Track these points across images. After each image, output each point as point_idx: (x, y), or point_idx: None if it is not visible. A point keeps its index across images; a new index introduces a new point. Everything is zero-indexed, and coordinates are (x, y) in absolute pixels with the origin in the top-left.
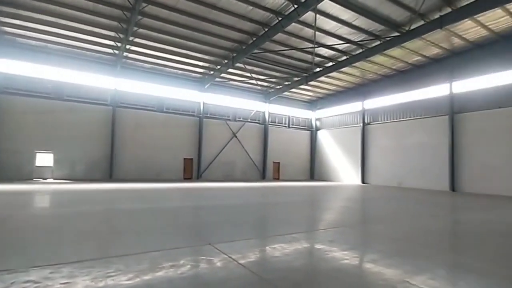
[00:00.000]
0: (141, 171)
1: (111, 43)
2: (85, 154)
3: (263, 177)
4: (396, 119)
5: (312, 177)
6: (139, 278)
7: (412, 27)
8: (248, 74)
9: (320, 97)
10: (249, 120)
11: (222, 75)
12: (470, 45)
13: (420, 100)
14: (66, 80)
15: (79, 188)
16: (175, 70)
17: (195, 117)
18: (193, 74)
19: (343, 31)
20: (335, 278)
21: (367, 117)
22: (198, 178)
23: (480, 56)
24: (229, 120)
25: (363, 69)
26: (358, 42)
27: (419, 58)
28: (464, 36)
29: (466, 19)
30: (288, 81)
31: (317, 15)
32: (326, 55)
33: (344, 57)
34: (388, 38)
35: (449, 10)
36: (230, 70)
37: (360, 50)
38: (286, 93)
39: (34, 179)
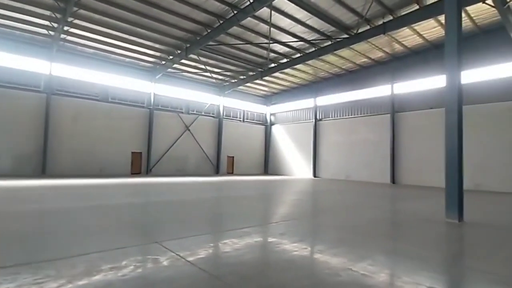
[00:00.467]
0: (82, 166)
1: (46, 23)
2: (12, 147)
3: (217, 172)
4: (345, 116)
5: (266, 171)
6: (71, 284)
7: (359, 31)
8: (203, 66)
9: (275, 92)
10: (203, 113)
11: (175, 65)
12: (408, 51)
13: (366, 99)
14: None
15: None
16: (121, 58)
17: (145, 109)
18: (143, 63)
19: (297, 29)
20: (284, 270)
21: (319, 113)
22: (148, 173)
23: (416, 61)
24: (182, 112)
25: (316, 67)
26: (311, 41)
27: (365, 60)
28: (403, 42)
29: (405, 27)
30: (243, 75)
31: (273, 12)
32: (281, 51)
33: (298, 55)
34: (338, 39)
35: (391, 18)
36: (184, 61)
37: (313, 49)
38: (241, 87)
39: None
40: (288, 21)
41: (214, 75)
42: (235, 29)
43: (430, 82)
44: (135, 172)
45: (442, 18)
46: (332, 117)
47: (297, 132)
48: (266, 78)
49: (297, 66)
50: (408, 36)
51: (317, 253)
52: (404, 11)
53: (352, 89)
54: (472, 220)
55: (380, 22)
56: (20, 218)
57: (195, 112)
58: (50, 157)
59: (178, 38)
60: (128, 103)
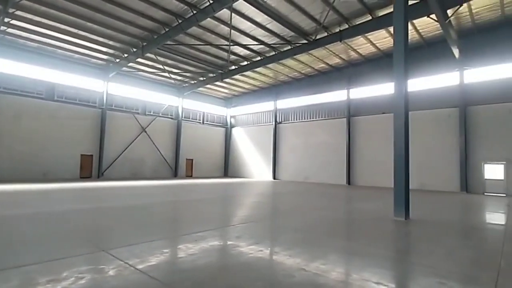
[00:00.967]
0: (22, 169)
1: None
2: None
3: (175, 175)
4: (305, 119)
5: (226, 174)
6: None
7: (317, 37)
8: (161, 66)
9: (236, 94)
10: (160, 115)
11: (131, 64)
12: (363, 59)
13: (324, 103)
14: None
15: None
16: (70, 53)
17: (97, 109)
18: (94, 60)
19: (258, 32)
20: (240, 272)
21: (279, 116)
22: (99, 177)
23: (370, 68)
24: (138, 113)
25: (276, 71)
26: (271, 45)
27: (323, 65)
28: (358, 50)
29: (359, 36)
30: (203, 77)
31: (233, 14)
32: (241, 54)
33: (259, 58)
34: (298, 44)
35: (346, 26)
36: (140, 60)
37: (273, 53)
38: (201, 88)
39: None
40: (249, 24)
41: (172, 76)
42: (194, 30)
43: (383, 88)
44: (85, 176)
45: (392, 29)
46: (292, 120)
47: (257, 135)
48: (227, 80)
49: (258, 69)
50: (362, 45)
51: (273, 255)
52: (358, 21)
53: (311, 93)
54: (417, 217)
55: (337, 30)
56: None
57: (152, 113)
58: None
59: (134, 35)
60: (78, 102)
